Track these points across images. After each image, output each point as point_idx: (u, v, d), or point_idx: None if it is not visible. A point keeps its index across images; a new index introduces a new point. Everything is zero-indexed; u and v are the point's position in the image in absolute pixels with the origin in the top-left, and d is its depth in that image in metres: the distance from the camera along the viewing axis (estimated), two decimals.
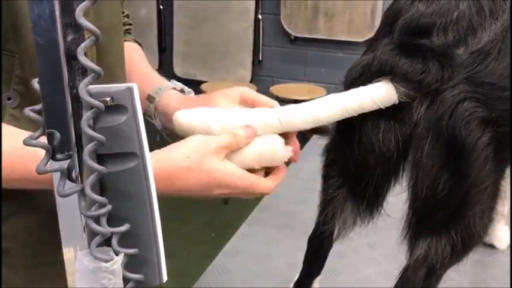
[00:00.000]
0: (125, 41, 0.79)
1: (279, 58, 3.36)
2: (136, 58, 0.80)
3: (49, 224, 0.63)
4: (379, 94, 0.59)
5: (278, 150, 0.61)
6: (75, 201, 0.35)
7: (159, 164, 0.57)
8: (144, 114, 0.73)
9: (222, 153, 0.59)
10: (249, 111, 0.63)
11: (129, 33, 0.83)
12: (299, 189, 1.36)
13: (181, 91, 0.74)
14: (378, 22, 3.03)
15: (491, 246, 1.12)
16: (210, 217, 2.82)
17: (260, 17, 3.29)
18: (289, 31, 3.23)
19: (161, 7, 3.46)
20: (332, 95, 0.62)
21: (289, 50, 3.33)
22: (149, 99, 0.73)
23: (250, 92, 0.68)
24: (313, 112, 0.61)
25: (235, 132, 0.60)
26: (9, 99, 0.57)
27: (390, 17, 0.64)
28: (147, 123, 0.38)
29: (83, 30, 0.32)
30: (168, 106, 0.71)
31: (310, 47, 3.26)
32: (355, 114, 0.61)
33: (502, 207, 1.03)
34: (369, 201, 0.68)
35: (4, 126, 0.53)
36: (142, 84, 0.74)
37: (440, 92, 0.58)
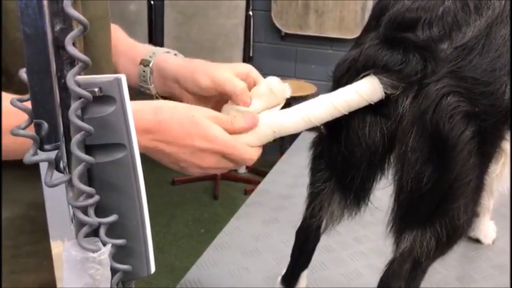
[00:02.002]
0: None
1: (269, 55, 3.36)
2: (119, 33, 0.80)
3: (30, 215, 0.63)
4: (365, 89, 0.60)
5: (274, 87, 0.64)
6: (63, 192, 0.35)
7: (145, 104, 0.59)
8: (139, 82, 0.74)
9: (210, 117, 0.60)
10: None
11: None
12: (287, 185, 1.37)
13: (175, 55, 0.75)
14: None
15: (477, 240, 1.14)
16: (199, 213, 2.82)
17: (251, 13, 3.28)
18: (280, 28, 3.24)
19: (152, 3, 3.44)
20: (321, 96, 0.63)
21: (279, 47, 3.33)
22: (143, 63, 0.73)
23: (255, 73, 0.69)
24: (303, 115, 0.62)
25: (235, 115, 0.61)
26: None
27: (377, 12, 0.64)
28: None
29: (70, 20, 0.32)
30: (164, 64, 0.72)
31: (300, 44, 3.26)
32: (346, 113, 0.62)
33: (487, 202, 1.05)
34: (356, 194, 0.69)
35: None
36: (132, 52, 0.76)
37: (424, 86, 0.59)
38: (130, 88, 0.68)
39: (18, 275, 0.65)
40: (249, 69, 0.69)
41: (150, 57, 0.73)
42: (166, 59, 0.73)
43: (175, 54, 0.75)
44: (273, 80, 0.65)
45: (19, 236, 0.64)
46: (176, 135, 0.58)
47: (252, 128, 0.62)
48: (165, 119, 0.58)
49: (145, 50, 0.76)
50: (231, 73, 0.67)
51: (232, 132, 0.60)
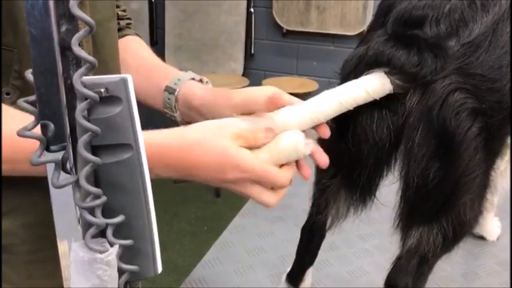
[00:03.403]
0: (126, 35, 0.78)
1: (271, 51, 3.36)
2: (144, 52, 0.78)
3: (47, 220, 0.63)
4: (373, 86, 0.60)
5: (299, 148, 0.60)
6: (69, 193, 0.35)
7: (169, 138, 0.57)
8: (163, 108, 0.72)
9: (236, 141, 0.57)
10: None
11: (129, 27, 0.81)
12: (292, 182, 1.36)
13: (200, 81, 0.72)
14: (369, 16, 3.03)
15: (481, 237, 1.14)
16: (201, 211, 2.83)
17: (252, 10, 3.28)
18: (281, 24, 3.23)
19: (153, 1, 3.44)
20: (326, 92, 0.62)
21: (281, 44, 3.32)
22: (168, 90, 0.71)
23: (280, 95, 0.64)
24: (311, 114, 0.60)
25: (256, 130, 0.58)
26: (7, 94, 0.57)
27: (384, 9, 0.64)
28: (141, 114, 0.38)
29: (76, 20, 0.31)
30: (191, 96, 0.69)
31: (302, 41, 3.26)
32: (351, 108, 0.61)
33: (492, 198, 1.05)
34: (362, 190, 0.69)
35: (9, 109, 0.52)
36: (156, 77, 0.73)
37: (431, 82, 0.58)
38: (156, 112, 0.66)
39: (36, 280, 0.64)
40: (271, 93, 0.63)
41: (175, 84, 0.70)
42: (194, 90, 0.70)
43: (200, 80, 0.72)
44: (299, 138, 0.60)
45: (36, 242, 0.63)
46: (211, 167, 0.57)
47: (272, 138, 0.59)
48: (196, 155, 0.57)
49: (169, 74, 0.73)
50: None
51: (254, 148, 0.59)
